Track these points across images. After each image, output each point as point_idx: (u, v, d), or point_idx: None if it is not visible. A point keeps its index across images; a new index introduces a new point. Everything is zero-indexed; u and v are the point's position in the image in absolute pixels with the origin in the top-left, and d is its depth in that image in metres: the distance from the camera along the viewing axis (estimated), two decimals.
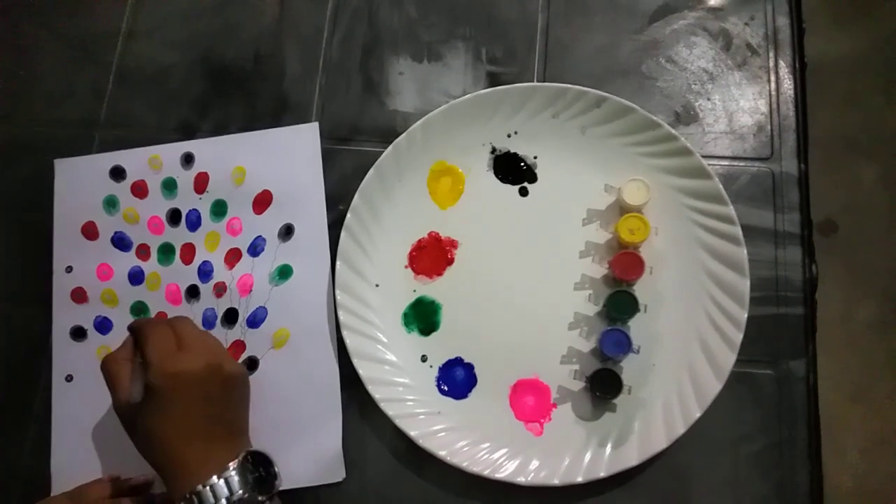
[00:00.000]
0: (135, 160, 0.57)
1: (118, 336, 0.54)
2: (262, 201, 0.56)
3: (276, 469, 0.45)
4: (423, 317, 0.53)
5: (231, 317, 0.54)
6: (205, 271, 0.55)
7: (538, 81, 0.57)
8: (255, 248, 0.55)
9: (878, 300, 0.51)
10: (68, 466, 0.52)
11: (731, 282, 0.49)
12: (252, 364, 0.53)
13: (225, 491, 0.42)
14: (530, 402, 0.51)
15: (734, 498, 0.49)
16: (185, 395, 0.44)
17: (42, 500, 0.48)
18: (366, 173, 0.53)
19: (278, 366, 0.53)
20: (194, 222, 0.56)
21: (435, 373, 0.52)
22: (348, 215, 0.52)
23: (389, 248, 0.54)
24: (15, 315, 0.56)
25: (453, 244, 0.54)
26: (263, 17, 0.61)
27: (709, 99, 0.56)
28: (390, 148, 0.53)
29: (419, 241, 0.54)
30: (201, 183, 0.57)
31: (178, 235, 0.56)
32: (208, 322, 0.54)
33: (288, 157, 0.56)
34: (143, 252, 0.56)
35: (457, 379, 0.52)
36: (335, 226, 0.54)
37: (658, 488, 0.50)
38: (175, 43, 0.61)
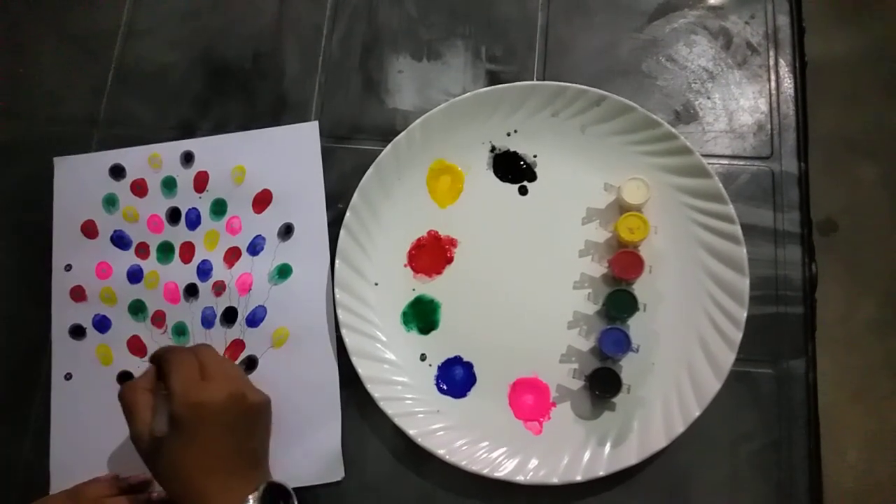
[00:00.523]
0: (134, 159, 0.57)
1: (117, 334, 0.54)
2: (262, 200, 0.56)
3: (295, 501, 0.45)
4: (422, 315, 0.53)
5: (230, 316, 0.54)
6: (204, 270, 0.55)
7: (538, 80, 0.57)
8: (255, 247, 0.55)
9: (878, 300, 0.51)
10: (67, 465, 0.52)
11: (730, 281, 0.49)
12: (251, 363, 0.53)
13: None
14: (529, 400, 0.51)
15: (733, 497, 0.49)
16: (208, 427, 0.43)
17: (41, 499, 0.48)
18: (365, 172, 0.53)
19: (277, 365, 0.53)
20: (194, 221, 0.56)
21: (434, 371, 0.52)
22: (347, 214, 0.52)
23: (389, 247, 0.54)
24: (14, 313, 0.56)
25: (453, 243, 0.54)
26: (263, 16, 0.61)
27: (709, 98, 0.56)
28: (389, 146, 0.53)
29: (418, 239, 0.54)
30: (201, 182, 0.57)
31: (178, 234, 0.56)
32: (207, 321, 0.54)
33: (288, 156, 0.56)
34: (143, 251, 0.56)
35: (456, 378, 0.52)
36: (334, 224, 0.54)
37: (657, 487, 0.50)
38: (174, 41, 0.61)
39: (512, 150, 0.55)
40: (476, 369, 0.52)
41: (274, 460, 0.50)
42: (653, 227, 0.51)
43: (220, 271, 0.55)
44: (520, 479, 0.48)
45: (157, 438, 0.44)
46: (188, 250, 0.55)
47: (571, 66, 0.58)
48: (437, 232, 0.54)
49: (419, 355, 0.52)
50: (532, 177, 0.54)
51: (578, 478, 0.47)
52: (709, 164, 0.51)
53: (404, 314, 0.53)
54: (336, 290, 0.51)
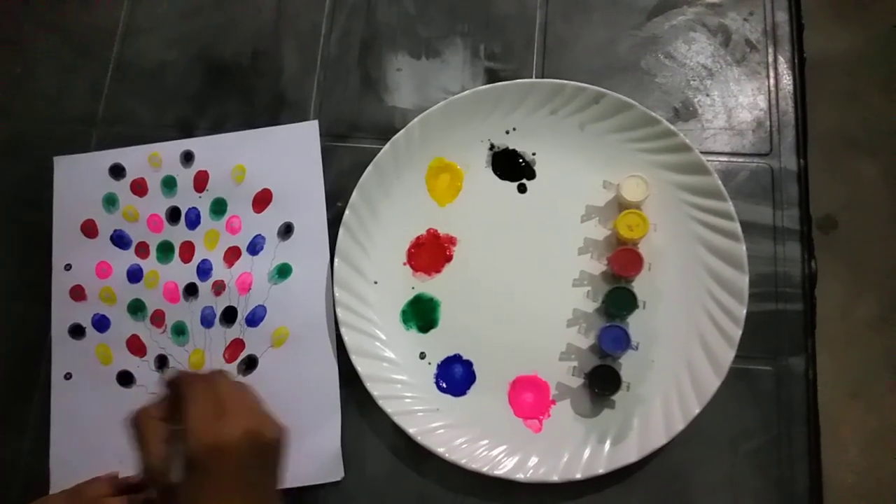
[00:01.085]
0: (134, 158, 0.57)
1: (116, 334, 0.54)
2: (262, 200, 0.56)
3: None
4: (421, 314, 0.53)
5: (230, 315, 0.54)
6: (204, 269, 0.55)
7: (536, 78, 0.57)
8: (255, 247, 0.55)
9: (878, 296, 0.51)
10: (67, 464, 0.52)
11: (730, 278, 0.49)
12: (251, 363, 0.53)
13: None
14: (529, 398, 0.51)
15: (733, 494, 0.49)
16: (224, 469, 0.42)
17: (41, 498, 0.48)
18: (364, 170, 0.53)
19: (277, 364, 0.53)
20: (194, 220, 0.56)
21: (433, 370, 0.52)
22: (346, 212, 0.52)
23: (388, 245, 0.54)
24: (14, 313, 0.56)
25: (452, 241, 0.54)
26: (261, 14, 0.61)
27: (708, 95, 0.56)
28: (388, 145, 0.53)
29: (417, 237, 0.54)
30: (201, 181, 0.57)
31: (178, 233, 0.56)
32: (207, 321, 0.54)
33: (288, 155, 0.56)
34: (142, 250, 0.56)
35: (455, 376, 0.52)
36: (333, 223, 0.54)
37: (657, 485, 0.50)
38: (173, 40, 0.61)
39: (511, 147, 0.55)
40: (475, 367, 0.52)
41: None
42: (652, 224, 0.51)
43: (219, 271, 0.55)
44: (520, 476, 0.48)
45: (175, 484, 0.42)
46: (188, 250, 0.55)
47: (570, 64, 0.57)
48: (436, 230, 0.54)
49: (418, 353, 0.52)
50: (531, 175, 0.54)
51: (578, 475, 0.47)
52: (708, 161, 0.51)
53: (404, 312, 0.53)
54: (335, 289, 0.51)
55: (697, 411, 0.47)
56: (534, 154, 0.55)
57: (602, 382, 0.49)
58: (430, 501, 0.50)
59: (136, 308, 0.55)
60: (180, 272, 0.55)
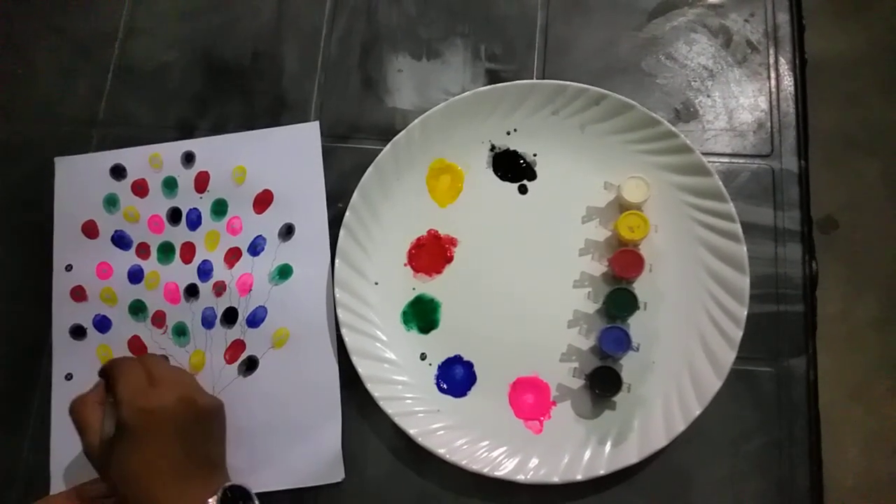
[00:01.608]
0: (135, 159, 0.57)
1: (117, 335, 0.54)
2: (263, 201, 0.56)
3: (256, 502, 0.44)
4: (422, 315, 0.53)
5: (230, 316, 0.54)
6: (204, 270, 0.55)
7: (537, 78, 0.57)
8: (256, 248, 0.55)
9: (879, 297, 0.51)
10: (68, 465, 0.52)
11: (730, 279, 0.49)
12: (252, 364, 0.53)
13: None
14: (530, 399, 0.51)
15: (734, 495, 0.49)
16: (158, 432, 0.43)
17: (42, 499, 0.49)
18: (364, 171, 0.53)
19: (278, 365, 0.53)
20: (194, 221, 0.56)
21: (434, 371, 0.52)
22: (347, 213, 0.52)
23: (388, 246, 0.54)
24: (14, 313, 0.56)
25: (452, 242, 0.54)
26: (262, 15, 0.61)
27: (709, 96, 0.56)
28: (389, 146, 0.53)
29: (418, 238, 0.54)
30: (202, 182, 0.57)
31: (179, 234, 0.56)
32: (207, 321, 0.54)
33: (289, 156, 0.56)
34: (143, 251, 0.56)
35: (456, 377, 0.52)
36: (334, 224, 0.54)
37: (658, 486, 0.50)
38: (173, 41, 0.61)
39: (512, 148, 0.55)
40: (476, 368, 0.52)
41: (273, 461, 0.50)
42: (653, 225, 0.51)
43: (220, 272, 0.55)
44: (520, 478, 0.48)
45: (107, 445, 0.43)
46: (189, 250, 0.55)
47: (571, 65, 0.57)
48: (436, 231, 0.54)
49: (419, 354, 0.52)
50: (532, 176, 0.54)
51: (579, 477, 0.47)
52: (709, 162, 0.51)
53: (404, 313, 0.53)
54: (336, 290, 0.51)
55: (698, 412, 0.47)
56: (535, 155, 0.55)
57: (603, 383, 0.49)
58: (431, 502, 0.50)
59: (137, 309, 0.55)
60: (181, 273, 0.55)
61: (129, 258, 0.56)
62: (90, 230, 0.56)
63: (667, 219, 0.52)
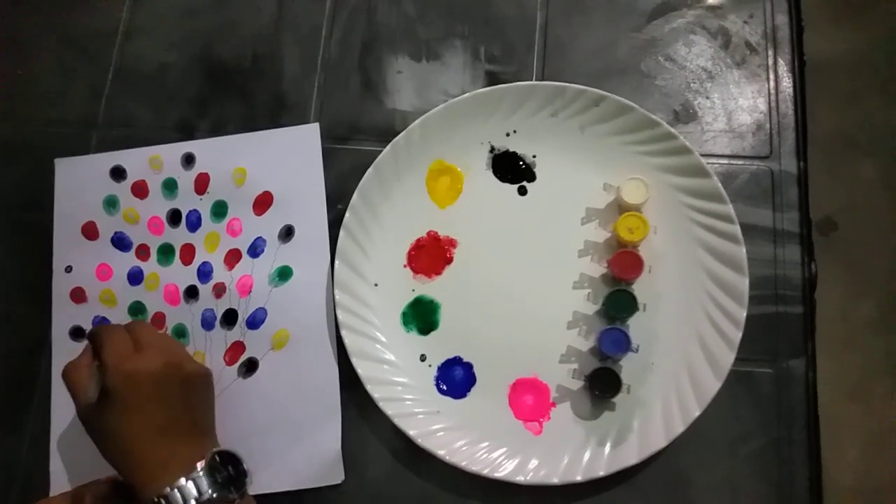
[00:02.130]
0: (135, 160, 0.57)
1: None
2: (263, 202, 0.56)
3: (246, 466, 0.44)
4: (421, 316, 0.53)
5: (230, 318, 0.54)
6: (204, 272, 0.55)
7: (537, 80, 0.57)
8: (255, 249, 0.55)
9: (878, 299, 0.51)
10: (67, 466, 0.52)
11: (730, 280, 0.49)
12: (251, 365, 0.53)
13: (193, 492, 0.41)
14: (529, 401, 0.51)
15: (733, 497, 0.49)
16: (143, 396, 0.43)
17: (41, 500, 0.48)
18: (364, 172, 0.53)
19: (278, 367, 0.53)
20: (194, 223, 0.56)
21: (434, 372, 0.52)
22: (347, 214, 0.52)
23: (388, 248, 0.54)
24: (14, 314, 0.56)
25: (452, 243, 0.54)
26: (262, 16, 0.61)
27: (708, 97, 0.56)
28: (389, 147, 0.53)
29: (418, 240, 0.54)
30: (202, 183, 0.57)
31: (178, 236, 0.56)
32: (207, 323, 0.54)
33: (289, 158, 0.56)
34: (143, 252, 0.56)
35: (456, 378, 0.52)
36: (334, 225, 0.54)
37: (657, 487, 0.50)
38: (173, 42, 0.61)
39: (511, 150, 0.55)
40: (476, 370, 0.52)
41: (273, 462, 0.50)
42: (652, 227, 0.51)
43: (220, 273, 0.55)
44: (520, 479, 0.48)
45: (91, 407, 0.44)
46: (189, 252, 0.55)
47: (570, 66, 0.58)
48: (436, 232, 0.54)
49: (419, 356, 0.52)
50: (531, 177, 0.54)
51: (578, 478, 0.47)
52: (708, 163, 0.51)
53: (404, 315, 0.53)
54: (336, 291, 0.51)
55: (697, 413, 0.47)
56: (534, 156, 0.55)
57: (602, 385, 0.49)
58: None
59: (137, 310, 0.55)
60: (181, 274, 0.55)
61: (128, 260, 0.56)
62: (90, 231, 0.56)
63: (666, 220, 0.52)
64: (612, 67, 0.57)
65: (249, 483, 0.44)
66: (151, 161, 0.57)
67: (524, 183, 0.54)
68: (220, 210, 0.56)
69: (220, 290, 0.54)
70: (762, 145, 0.55)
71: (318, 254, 0.54)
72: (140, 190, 0.57)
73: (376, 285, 0.53)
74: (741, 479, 0.49)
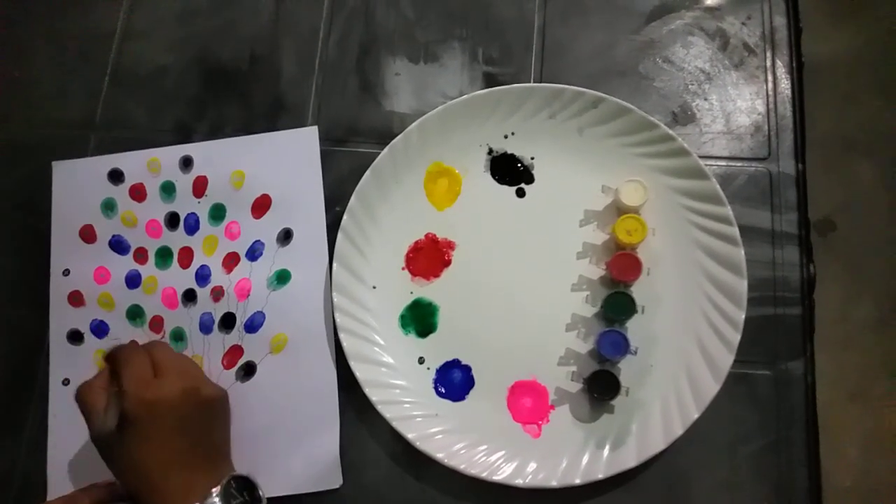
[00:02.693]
0: (133, 163, 0.57)
1: (114, 340, 0.54)
2: (261, 205, 0.56)
3: (261, 493, 0.44)
4: (420, 319, 0.53)
5: (228, 321, 0.54)
6: (202, 275, 0.55)
7: (535, 82, 0.57)
8: (254, 253, 0.55)
9: (877, 300, 0.51)
10: (65, 471, 0.52)
11: (728, 282, 0.49)
12: (249, 369, 0.53)
13: None
14: (528, 403, 0.51)
15: (732, 499, 0.49)
16: (162, 423, 0.43)
17: None
18: (362, 175, 0.53)
19: (276, 371, 0.53)
20: (192, 226, 0.56)
21: (432, 375, 0.52)
22: (345, 217, 0.52)
23: (386, 250, 0.54)
24: (12, 318, 0.56)
25: (450, 245, 0.54)
26: (259, 18, 0.61)
27: (706, 99, 0.56)
28: (386, 149, 0.53)
29: (416, 242, 0.54)
30: (200, 186, 0.57)
31: (176, 239, 0.56)
32: (205, 327, 0.54)
33: (287, 161, 0.56)
34: (141, 256, 0.56)
35: (454, 381, 0.52)
36: (332, 227, 0.54)
37: (656, 489, 0.50)
38: (170, 44, 0.61)
39: (509, 152, 0.55)
40: (474, 372, 0.52)
41: (271, 467, 0.50)
42: (650, 229, 0.51)
43: (218, 277, 0.55)
44: (518, 482, 0.48)
45: (111, 436, 0.44)
46: (187, 255, 0.55)
47: (568, 68, 0.57)
48: (434, 235, 0.54)
49: (417, 358, 0.52)
50: (529, 179, 0.54)
51: (577, 481, 0.47)
52: (706, 165, 0.51)
53: (402, 317, 0.53)
54: (334, 294, 0.51)
55: (696, 416, 0.47)
56: (532, 158, 0.55)
57: (601, 387, 0.49)
58: None
59: (135, 314, 0.55)
60: (179, 278, 0.55)
61: (126, 263, 0.56)
62: (88, 235, 0.56)
63: (664, 222, 0.52)
64: (610, 69, 0.57)
65: None
66: (149, 164, 0.57)
67: (522, 185, 0.54)
68: (218, 213, 0.56)
69: (218, 294, 0.54)
70: (760, 147, 0.55)
71: (316, 257, 0.54)
72: (138, 193, 0.57)
73: (374, 288, 0.53)
74: (740, 481, 0.49)
